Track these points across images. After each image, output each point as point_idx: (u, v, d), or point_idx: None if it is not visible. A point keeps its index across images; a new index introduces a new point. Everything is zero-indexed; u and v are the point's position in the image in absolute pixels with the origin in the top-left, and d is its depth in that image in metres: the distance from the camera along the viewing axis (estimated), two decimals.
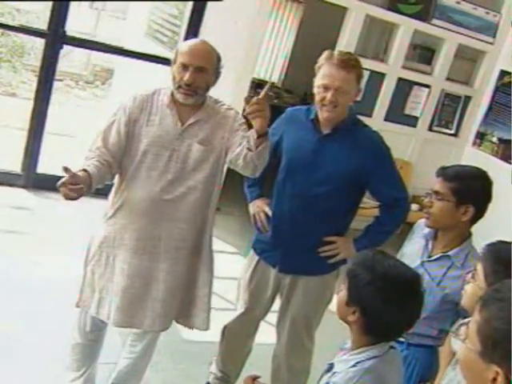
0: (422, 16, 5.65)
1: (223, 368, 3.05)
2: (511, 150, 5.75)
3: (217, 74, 2.54)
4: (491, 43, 5.97)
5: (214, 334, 3.00)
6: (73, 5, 4.83)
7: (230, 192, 4.01)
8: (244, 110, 2.34)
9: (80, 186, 2.23)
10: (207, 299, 2.65)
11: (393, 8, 5.56)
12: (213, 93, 2.59)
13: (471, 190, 2.34)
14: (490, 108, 6.05)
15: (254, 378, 2.04)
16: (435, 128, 6.17)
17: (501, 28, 5.92)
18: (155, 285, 2.53)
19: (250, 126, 2.43)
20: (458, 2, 5.73)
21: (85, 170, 2.33)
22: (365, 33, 5.67)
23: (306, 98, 6.60)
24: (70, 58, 9.35)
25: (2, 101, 7.92)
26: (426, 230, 2.48)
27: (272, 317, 2.98)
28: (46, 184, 4.70)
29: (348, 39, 5.42)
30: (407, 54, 5.85)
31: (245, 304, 2.92)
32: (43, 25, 4.96)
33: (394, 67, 5.76)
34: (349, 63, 2.57)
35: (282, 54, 8.33)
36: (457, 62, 6.04)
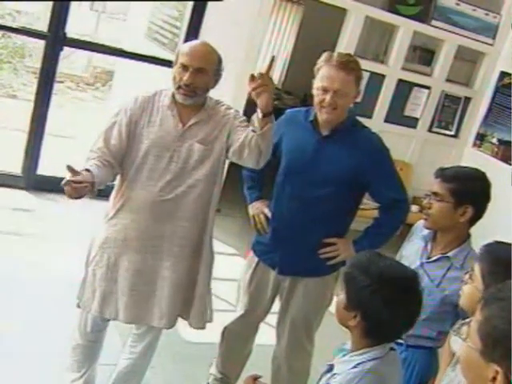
0: (422, 17, 5.66)
1: (223, 369, 3.05)
2: (511, 152, 5.75)
3: (217, 76, 2.55)
4: (491, 44, 5.97)
5: (213, 336, 3.01)
6: (73, 6, 4.84)
7: (230, 193, 4.02)
8: (245, 111, 2.34)
9: (84, 185, 2.24)
10: (205, 298, 2.66)
11: (392, 9, 5.57)
12: (213, 94, 2.60)
13: (469, 190, 2.34)
14: (489, 109, 6.05)
15: (255, 378, 2.04)
16: (435, 129, 6.17)
17: (500, 29, 5.92)
18: (160, 283, 2.55)
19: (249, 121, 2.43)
20: (458, 4, 5.73)
21: (88, 170, 2.34)
22: (364, 34, 5.68)
23: (306, 100, 6.60)
24: (71, 60, 9.36)
25: (3, 102, 7.92)
26: (425, 232, 2.48)
27: (272, 318, 2.99)
28: (47, 186, 4.71)
29: (348, 41, 5.43)
30: (407, 56, 5.86)
31: (244, 306, 2.92)
32: (44, 26, 4.96)
33: (393, 69, 5.76)
34: (348, 65, 2.57)
35: (281, 62, 8.32)
36: (457, 64, 6.04)
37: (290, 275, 2.79)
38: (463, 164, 5.46)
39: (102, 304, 2.57)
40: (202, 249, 2.61)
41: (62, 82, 8.84)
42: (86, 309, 2.61)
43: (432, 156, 6.00)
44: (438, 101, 6.05)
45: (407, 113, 5.99)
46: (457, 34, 5.81)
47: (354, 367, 1.74)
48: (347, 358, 1.79)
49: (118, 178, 2.58)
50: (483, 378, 1.21)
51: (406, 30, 5.64)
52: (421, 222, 2.52)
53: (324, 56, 2.63)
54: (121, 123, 2.51)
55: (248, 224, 2.96)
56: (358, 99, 2.80)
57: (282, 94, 7.78)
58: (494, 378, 1.19)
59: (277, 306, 2.93)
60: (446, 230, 2.40)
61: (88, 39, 7.28)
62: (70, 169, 2.21)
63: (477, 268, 1.91)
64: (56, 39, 4.72)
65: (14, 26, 6.94)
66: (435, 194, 2.38)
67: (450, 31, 5.78)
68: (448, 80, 6.06)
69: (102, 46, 5.90)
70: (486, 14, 5.87)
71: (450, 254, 2.38)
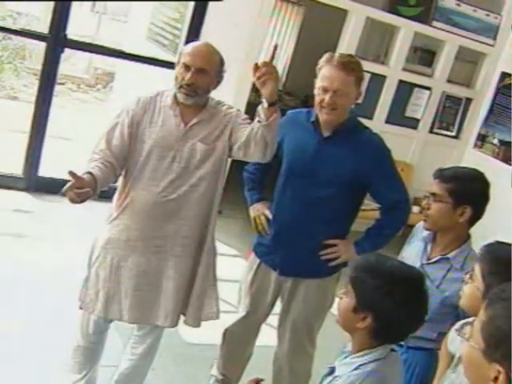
0: (423, 18, 5.66)
1: (224, 371, 3.05)
2: None
3: (219, 78, 2.56)
4: (492, 45, 5.97)
5: (215, 337, 3.00)
6: (74, 8, 4.85)
7: (231, 195, 4.01)
8: (246, 112, 2.34)
9: (86, 190, 2.24)
10: (202, 297, 2.66)
11: (393, 10, 5.57)
12: (214, 94, 2.61)
13: (468, 190, 2.34)
14: (490, 110, 6.04)
15: (258, 382, 2.03)
16: (436, 130, 6.17)
17: (501, 30, 5.92)
18: (165, 282, 2.56)
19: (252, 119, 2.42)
20: (458, 4, 5.73)
21: (89, 173, 2.34)
22: (365, 35, 5.69)
23: (307, 101, 6.61)
24: (72, 62, 9.38)
25: (4, 104, 7.94)
26: (425, 233, 2.48)
27: (273, 319, 2.99)
28: (48, 187, 4.71)
29: (349, 42, 5.43)
30: (408, 57, 5.86)
31: (246, 307, 2.92)
32: (44, 28, 4.96)
33: (394, 69, 5.76)
34: (348, 65, 2.57)
35: (282, 63, 8.31)
36: (457, 64, 6.04)
37: (291, 276, 2.79)
38: (464, 165, 5.45)
39: (106, 305, 2.56)
40: (203, 248, 2.61)
41: (62, 83, 8.85)
42: (89, 310, 2.60)
43: (433, 157, 5.99)
44: (438, 101, 6.05)
45: (408, 114, 5.99)
46: (457, 34, 5.81)
47: (356, 369, 1.73)
48: (348, 359, 1.78)
49: (121, 179, 2.58)
50: (485, 377, 1.22)
51: (406, 30, 5.64)
52: (421, 224, 2.51)
53: (325, 56, 2.63)
54: (123, 124, 2.51)
55: (249, 225, 2.96)
56: (359, 100, 2.79)
57: (283, 95, 7.78)
58: (496, 378, 1.19)
59: (278, 307, 2.92)
60: (446, 231, 2.40)
61: (89, 41, 7.28)
62: (72, 174, 2.21)
63: (477, 268, 1.91)
64: (57, 41, 4.73)
65: (15, 27, 6.95)
66: (434, 194, 2.38)
67: (450, 32, 5.78)
68: (449, 81, 6.06)
69: (103, 47, 5.91)
70: (487, 15, 5.87)
71: (449, 256, 2.38)
